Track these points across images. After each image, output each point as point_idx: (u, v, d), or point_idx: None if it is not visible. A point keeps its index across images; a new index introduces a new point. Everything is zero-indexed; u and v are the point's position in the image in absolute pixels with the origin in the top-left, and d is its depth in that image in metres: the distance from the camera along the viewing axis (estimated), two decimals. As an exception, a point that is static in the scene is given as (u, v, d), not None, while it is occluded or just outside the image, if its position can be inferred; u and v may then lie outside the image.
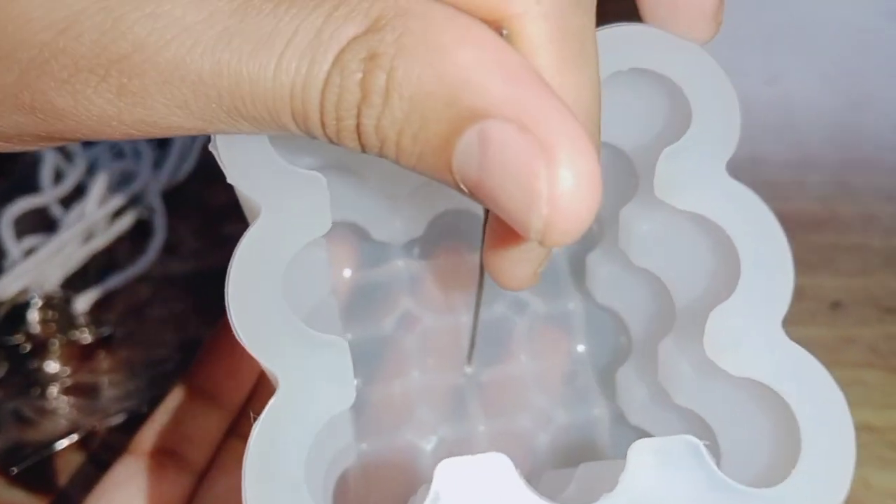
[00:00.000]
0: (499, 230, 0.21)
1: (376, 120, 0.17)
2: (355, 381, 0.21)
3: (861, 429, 0.21)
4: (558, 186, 0.16)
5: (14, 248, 0.40)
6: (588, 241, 0.29)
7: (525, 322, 0.29)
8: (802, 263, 0.21)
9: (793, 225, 0.22)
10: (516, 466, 0.19)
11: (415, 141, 0.17)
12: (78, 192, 0.42)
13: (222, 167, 0.20)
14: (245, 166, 0.20)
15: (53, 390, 0.37)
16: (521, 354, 0.29)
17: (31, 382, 0.37)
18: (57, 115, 0.18)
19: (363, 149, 0.18)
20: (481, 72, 0.16)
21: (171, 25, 0.17)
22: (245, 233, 0.20)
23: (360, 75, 0.17)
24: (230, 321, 0.19)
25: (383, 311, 0.29)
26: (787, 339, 0.20)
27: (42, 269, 0.39)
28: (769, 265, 0.21)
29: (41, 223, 0.41)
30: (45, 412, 0.36)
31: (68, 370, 0.38)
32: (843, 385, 0.20)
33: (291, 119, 0.18)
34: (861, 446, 0.20)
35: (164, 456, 0.29)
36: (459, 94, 0.16)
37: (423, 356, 0.29)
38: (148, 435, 0.30)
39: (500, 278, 0.22)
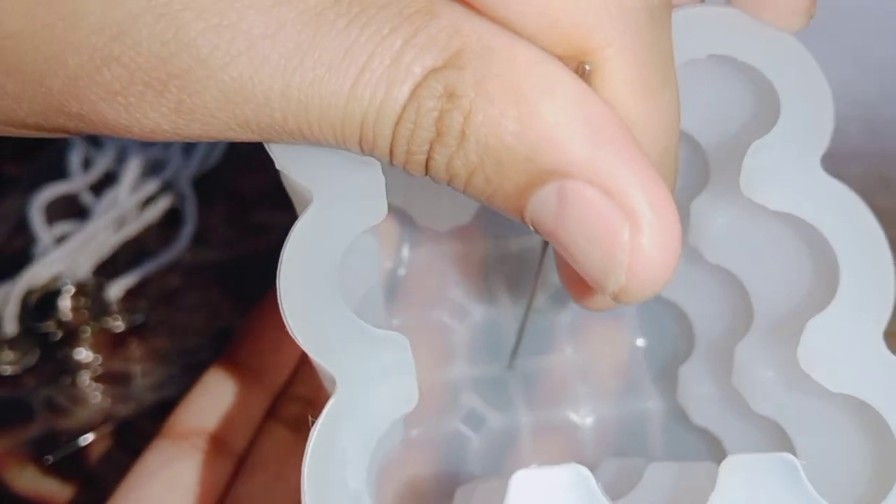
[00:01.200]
0: None
1: (448, 158, 0.16)
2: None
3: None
4: (639, 256, 0.15)
5: (45, 235, 0.39)
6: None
7: (573, 314, 0.29)
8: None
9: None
10: (569, 459, 0.18)
11: (487, 183, 0.16)
12: (107, 180, 0.42)
13: (271, 153, 0.19)
14: (294, 151, 0.19)
15: (85, 378, 0.37)
16: (567, 347, 0.28)
17: (63, 370, 0.37)
18: (107, 126, 0.17)
19: (429, 177, 0.17)
20: (565, 129, 0.15)
21: (237, 39, 0.15)
22: (295, 223, 0.19)
23: (436, 114, 0.16)
24: (284, 319, 0.18)
25: (427, 298, 0.29)
26: (888, 352, 0.19)
27: (74, 256, 0.38)
28: (870, 272, 0.19)
29: (71, 210, 0.41)
30: (77, 400, 0.36)
31: (100, 358, 0.37)
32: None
33: (358, 144, 0.17)
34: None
35: (202, 439, 0.27)
36: (541, 150, 0.15)
37: (467, 344, 0.28)
38: (183, 416, 0.28)
39: (589, 305, 0.21)
